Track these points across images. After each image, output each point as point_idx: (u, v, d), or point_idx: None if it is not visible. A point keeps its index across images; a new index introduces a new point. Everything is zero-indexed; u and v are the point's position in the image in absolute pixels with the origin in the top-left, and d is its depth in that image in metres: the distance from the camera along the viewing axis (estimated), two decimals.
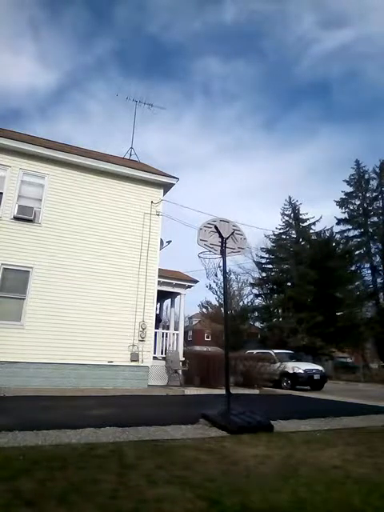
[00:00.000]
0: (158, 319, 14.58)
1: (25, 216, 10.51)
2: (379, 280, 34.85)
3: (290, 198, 37.34)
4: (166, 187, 12.78)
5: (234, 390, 6.59)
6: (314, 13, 75.68)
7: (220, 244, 6.38)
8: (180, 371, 12.16)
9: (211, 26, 75.76)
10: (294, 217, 36.72)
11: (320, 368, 16.10)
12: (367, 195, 36.72)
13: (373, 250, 35.37)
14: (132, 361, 10.88)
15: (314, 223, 35.68)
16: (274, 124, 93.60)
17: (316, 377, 15.14)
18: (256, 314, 36.18)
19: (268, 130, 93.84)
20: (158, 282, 12.21)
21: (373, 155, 75.44)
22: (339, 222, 36.78)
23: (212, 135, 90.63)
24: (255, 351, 17.62)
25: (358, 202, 37.05)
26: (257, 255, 36.54)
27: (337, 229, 36.59)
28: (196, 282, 14.55)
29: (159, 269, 12.21)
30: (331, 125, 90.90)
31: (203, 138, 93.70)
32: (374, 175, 36.72)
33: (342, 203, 37.21)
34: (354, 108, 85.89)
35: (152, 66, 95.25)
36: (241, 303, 37.58)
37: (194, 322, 53.39)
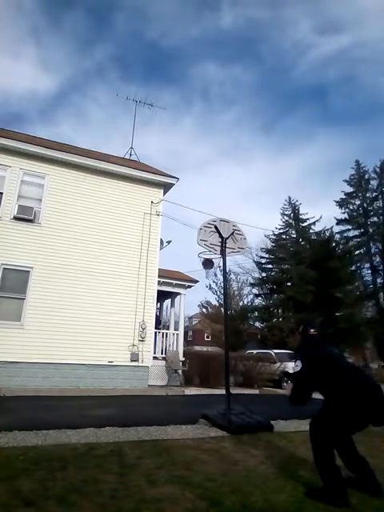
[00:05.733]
0: (158, 321, 14.56)
1: (25, 216, 10.51)
2: (379, 280, 34.89)
3: (289, 198, 37.27)
4: (166, 187, 12.78)
5: (233, 390, 6.58)
6: (310, 18, 75.83)
7: (220, 244, 6.38)
8: (180, 371, 12.15)
9: (209, 31, 75.87)
10: (293, 217, 36.66)
11: None
12: (367, 195, 36.73)
13: (373, 250, 35.40)
14: (132, 361, 10.89)
15: (313, 223, 35.63)
16: (272, 127, 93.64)
17: None
18: (256, 313, 36.11)
19: (266, 132, 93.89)
20: (158, 282, 12.21)
21: (372, 156, 75.56)
22: (339, 222, 36.78)
23: (211, 137, 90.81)
24: (255, 351, 17.60)
25: (358, 202, 37.06)
26: (257, 255, 36.47)
27: (337, 229, 36.59)
28: (196, 281, 14.55)
29: (159, 269, 12.21)
30: (329, 127, 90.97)
31: (202, 141, 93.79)
32: (374, 175, 36.74)
33: (341, 203, 37.22)
34: (352, 111, 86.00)
35: (151, 71, 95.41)
36: (241, 303, 37.47)
37: (194, 322, 53.32)
